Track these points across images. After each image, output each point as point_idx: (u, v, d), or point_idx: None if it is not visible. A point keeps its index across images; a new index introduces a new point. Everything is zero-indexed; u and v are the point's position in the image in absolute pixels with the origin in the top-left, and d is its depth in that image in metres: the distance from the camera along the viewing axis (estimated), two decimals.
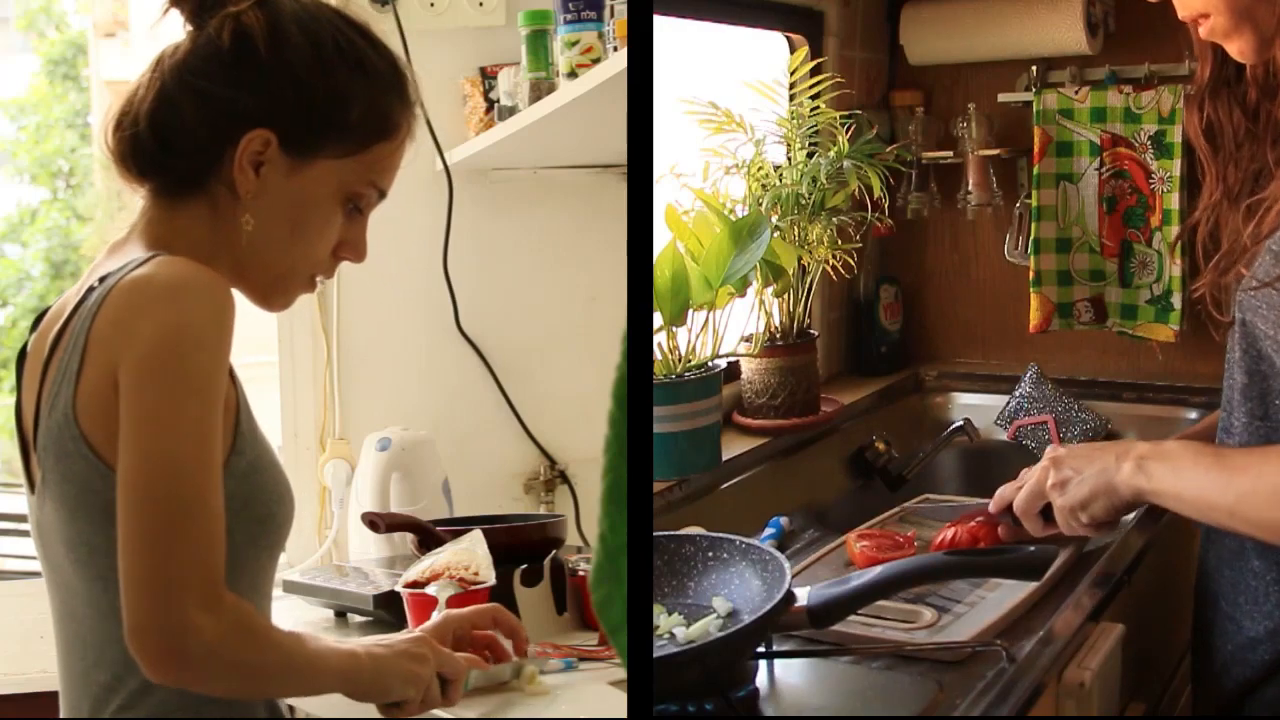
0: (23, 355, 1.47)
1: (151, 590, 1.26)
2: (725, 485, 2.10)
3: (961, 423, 2.43)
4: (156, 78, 1.45)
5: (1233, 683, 1.57)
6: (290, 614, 2.15)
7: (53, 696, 1.45)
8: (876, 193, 2.25)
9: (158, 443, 1.29)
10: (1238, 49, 1.50)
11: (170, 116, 1.43)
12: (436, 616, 1.69)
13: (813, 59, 2.36)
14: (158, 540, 1.27)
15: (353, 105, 1.46)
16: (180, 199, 1.45)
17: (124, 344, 1.32)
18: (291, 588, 2.22)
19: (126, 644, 1.28)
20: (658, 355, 2.02)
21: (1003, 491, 1.75)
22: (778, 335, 2.26)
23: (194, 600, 1.26)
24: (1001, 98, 2.68)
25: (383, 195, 1.52)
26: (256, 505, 1.41)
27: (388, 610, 1.99)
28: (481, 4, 2.71)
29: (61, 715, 1.44)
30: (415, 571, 1.89)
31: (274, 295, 1.51)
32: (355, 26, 1.50)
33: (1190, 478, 1.50)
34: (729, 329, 2.14)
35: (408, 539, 2.17)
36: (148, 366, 1.30)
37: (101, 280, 1.37)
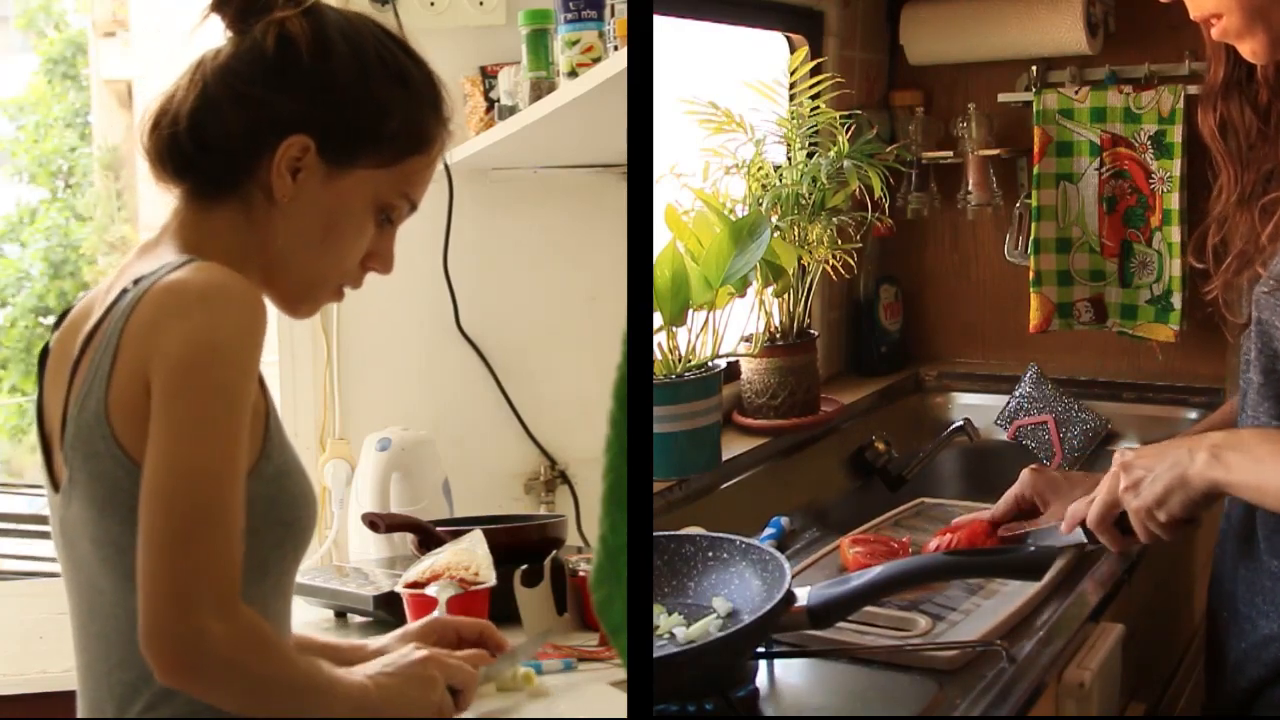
0: (44, 355, 1.47)
1: (168, 596, 1.27)
2: (725, 485, 2.10)
3: (961, 423, 2.43)
4: (198, 80, 1.45)
5: (1246, 681, 1.55)
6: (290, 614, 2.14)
7: (53, 697, 1.45)
8: (876, 193, 2.25)
9: (183, 451, 1.29)
10: (1250, 49, 1.49)
11: (210, 118, 1.44)
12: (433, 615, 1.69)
13: (813, 59, 2.36)
14: (177, 547, 1.27)
15: (392, 117, 1.47)
16: (215, 201, 1.46)
17: (155, 348, 1.32)
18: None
19: (140, 647, 1.28)
20: (658, 355, 2.02)
21: (1074, 509, 1.66)
22: (778, 335, 2.26)
23: (209, 608, 1.27)
24: (1001, 98, 2.68)
25: (413, 208, 1.53)
26: (283, 510, 1.41)
27: (388, 610, 1.98)
28: (482, 3, 2.71)
29: (81, 714, 1.44)
30: (415, 572, 1.89)
31: (302, 303, 1.52)
32: (396, 40, 1.52)
33: (1271, 467, 1.44)
34: (729, 329, 2.14)
35: (408, 539, 2.17)
36: (179, 375, 1.31)
37: (136, 282, 1.37)
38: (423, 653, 1.52)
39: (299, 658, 1.38)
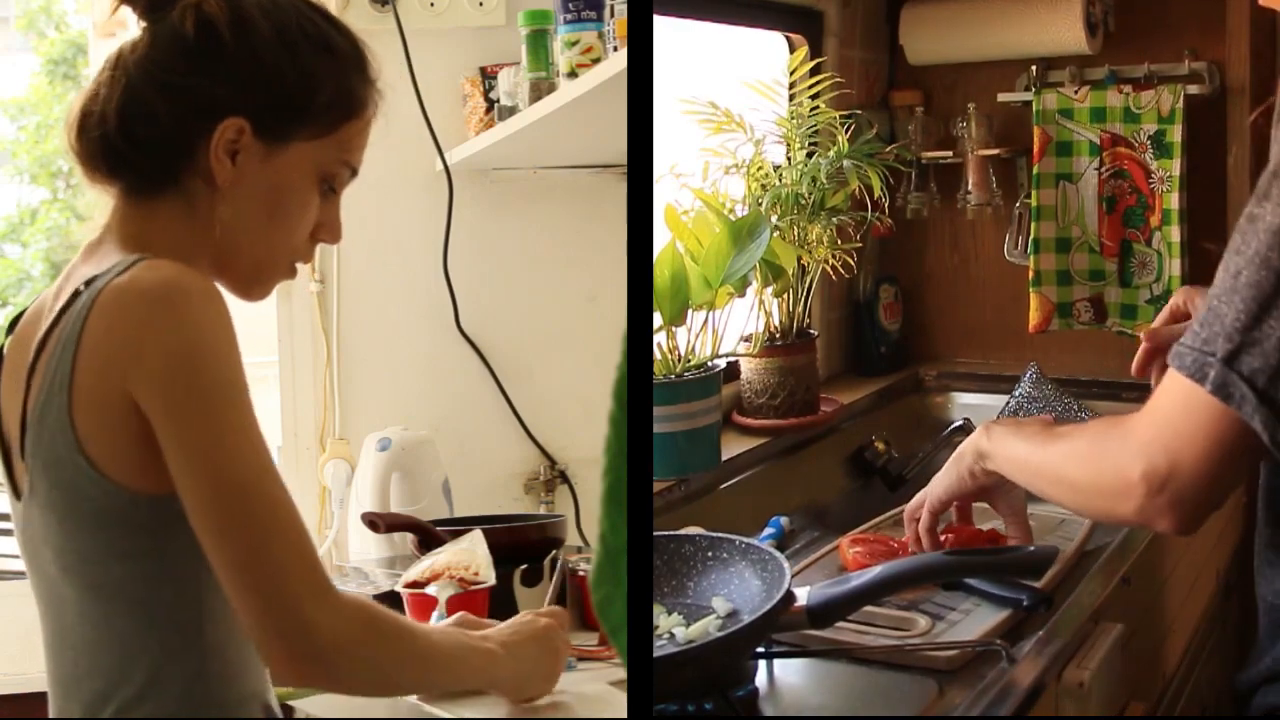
0: None
1: (265, 605, 1.27)
2: (725, 485, 2.09)
3: (961, 423, 2.43)
4: (120, 75, 1.42)
5: None
6: None
7: None
8: (876, 193, 2.25)
9: (223, 466, 1.28)
10: None
11: (139, 113, 1.41)
12: (453, 619, 1.68)
13: (813, 59, 2.36)
14: (260, 560, 1.27)
15: (322, 86, 1.45)
16: (154, 196, 1.43)
17: (133, 362, 1.29)
18: None
19: (264, 664, 1.31)
20: (658, 355, 2.02)
21: None
22: (777, 335, 2.26)
23: (307, 601, 1.27)
24: (1001, 98, 2.68)
25: (354, 173, 1.50)
26: None
27: None
28: (481, 4, 2.71)
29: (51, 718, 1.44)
30: (415, 572, 1.89)
31: (255, 284, 1.49)
32: (315, 8, 1.49)
33: (1017, 440, 1.56)
34: (729, 329, 2.14)
35: (408, 539, 2.17)
36: (179, 391, 1.29)
37: (88, 284, 1.34)
38: (546, 621, 1.55)
39: (422, 629, 1.41)
